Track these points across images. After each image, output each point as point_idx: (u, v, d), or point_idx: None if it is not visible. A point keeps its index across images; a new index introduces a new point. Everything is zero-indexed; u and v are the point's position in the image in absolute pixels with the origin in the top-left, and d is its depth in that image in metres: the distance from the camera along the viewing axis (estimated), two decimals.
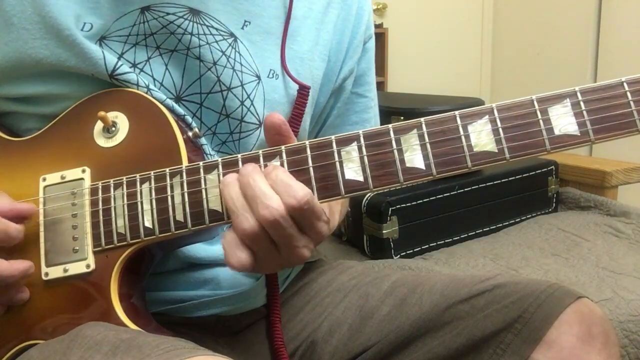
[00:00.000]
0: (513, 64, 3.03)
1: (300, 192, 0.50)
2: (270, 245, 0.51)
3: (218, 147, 0.65)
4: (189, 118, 0.61)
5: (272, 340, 0.70)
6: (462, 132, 0.50)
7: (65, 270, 0.56)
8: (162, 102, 0.59)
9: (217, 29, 0.63)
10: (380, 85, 2.74)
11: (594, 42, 2.56)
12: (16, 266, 0.54)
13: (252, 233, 0.50)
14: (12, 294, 0.56)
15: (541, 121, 0.49)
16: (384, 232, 1.14)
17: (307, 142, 0.53)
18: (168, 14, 0.60)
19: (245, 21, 0.65)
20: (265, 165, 0.53)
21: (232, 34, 0.64)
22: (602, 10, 2.52)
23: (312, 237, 0.52)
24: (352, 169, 0.52)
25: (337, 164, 0.52)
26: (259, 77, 0.65)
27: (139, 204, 0.55)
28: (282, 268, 0.56)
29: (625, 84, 0.48)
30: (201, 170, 0.54)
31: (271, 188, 0.50)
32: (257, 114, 0.65)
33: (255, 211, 0.50)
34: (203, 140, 0.62)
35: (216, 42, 0.62)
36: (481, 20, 3.13)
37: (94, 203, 0.56)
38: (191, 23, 0.61)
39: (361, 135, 0.52)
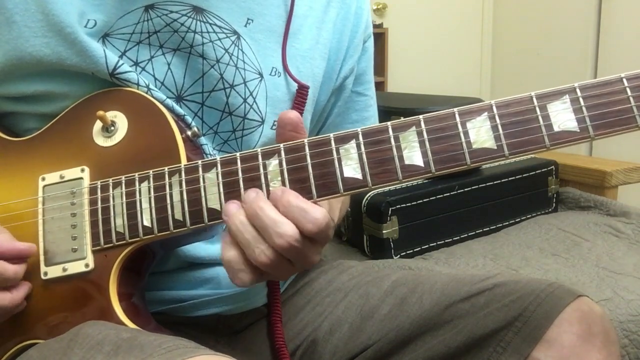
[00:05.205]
0: (513, 64, 3.03)
1: (317, 215, 0.49)
2: (285, 263, 0.51)
3: (220, 147, 0.65)
4: (188, 118, 0.61)
5: (273, 340, 0.70)
6: (460, 129, 0.50)
7: (64, 270, 0.56)
8: (162, 102, 0.59)
9: (220, 27, 0.63)
10: (380, 85, 2.74)
11: (594, 42, 2.56)
12: (19, 295, 0.55)
13: (270, 263, 0.49)
14: (12, 311, 0.56)
15: (540, 117, 0.49)
16: (384, 232, 1.14)
17: (305, 140, 0.53)
18: (172, 12, 0.61)
19: (248, 19, 0.65)
20: (264, 165, 0.53)
21: (235, 32, 0.64)
22: (602, 10, 2.52)
23: (322, 245, 0.53)
24: (351, 166, 0.51)
25: (336, 162, 0.52)
26: (261, 75, 0.65)
27: (138, 203, 0.55)
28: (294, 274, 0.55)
29: (624, 80, 0.48)
30: (200, 169, 0.54)
31: (282, 215, 0.49)
32: (260, 111, 0.65)
33: (269, 241, 0.49)
34: (203, 140, 0.62)
35: (219, 39, 0.62)
36: (481, 20, 3.13)
37: (92, 202, 0.56)
38: (194, 21, 0.61)
39: (360, 133, 0.52)
